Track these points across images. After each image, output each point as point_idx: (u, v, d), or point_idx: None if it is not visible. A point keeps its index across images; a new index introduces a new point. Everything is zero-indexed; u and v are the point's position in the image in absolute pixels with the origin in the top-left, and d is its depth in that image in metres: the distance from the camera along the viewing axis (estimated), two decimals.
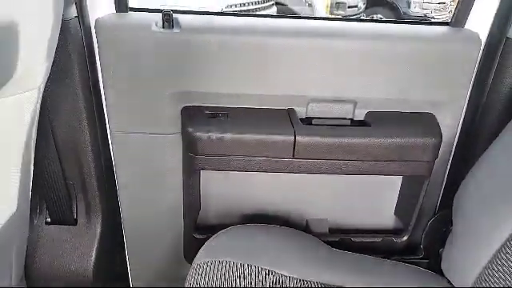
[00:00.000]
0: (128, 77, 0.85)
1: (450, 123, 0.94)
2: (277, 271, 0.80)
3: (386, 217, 1.04)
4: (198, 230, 0.99)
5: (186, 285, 0.79)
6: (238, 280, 0.76)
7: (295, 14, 4.52)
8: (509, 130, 0.79)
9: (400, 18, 5.11)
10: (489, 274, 0.72)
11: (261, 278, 0.78)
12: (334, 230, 1.02)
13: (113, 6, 0.86)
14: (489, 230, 0.74)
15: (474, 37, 0.88)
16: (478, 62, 0.88)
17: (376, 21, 1.06)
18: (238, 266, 0.78)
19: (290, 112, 0.90)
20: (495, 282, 0.70)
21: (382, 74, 0.88)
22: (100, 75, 0.87)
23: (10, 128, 0.64)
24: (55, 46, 0.67)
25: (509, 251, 0.69)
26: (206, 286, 0.74)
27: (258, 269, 0.79)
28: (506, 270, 0.69)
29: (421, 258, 0.98)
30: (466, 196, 0.83)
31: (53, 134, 0.86)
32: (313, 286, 0.78)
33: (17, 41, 0.55)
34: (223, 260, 0.79)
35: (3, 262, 0.83)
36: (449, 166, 0.99)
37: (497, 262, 0.71)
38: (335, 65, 0.87)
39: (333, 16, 4.96)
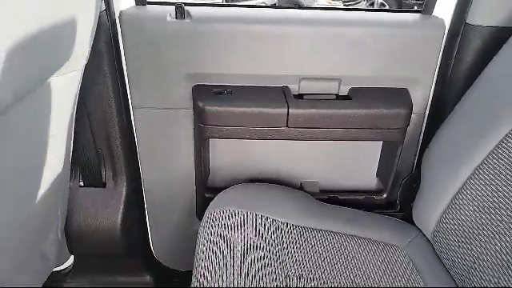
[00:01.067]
0: (147, 61, 1.01)
1: (422, 96, 1.10)
2: (277, 219, 0.97)
3: (368, 178, 1.22)
4: (208, 190, 1.16)
5: (200, 233, 0.96)
6: (244, 225, 0.94)
7: (297, 2, 4.60)
8: (466, 99, 0.95)
9: (400, 3, 5.16)
10: (447, 217, 0.89)
11: (264, 223, 0.95)
12: (324, 190, 1.20)
13: (133, 0, 1.02)
14: (446, 181, 0.91)
15: (440, 23, 1.03)
16: (443, 44, 1.04)
17: (359, 9, 1.21)
18: (244, 214, 0.96)
19: (285, 89, 1.07)
20: (453, 223, 0.88)
21: (363, 55, 1.04)
22: (123, 60, 1.03)
23: (60, 102, 0.80)
24: (94, 34, 0.83)
25: (463, 197, 0.86)
26: (217, 229, 0.92)
27: (262, 217, 0.96)
28: (461, 212, 0.86)
29: (397, 212, 1.16)
30: (431, 155, 1.00)
31: (86, 109, 1.03)
32: (307, 230, 0.96)
33: (74, 28, 0.71)
34: (230, 209, 0.96)
35: (53, 217, 1.01)
36: (422, 133, 1.15)
37: (453, 206, 0.88)
38: (323, 48, 1.03)
39: (333, 3, 5.04)
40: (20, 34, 0.55)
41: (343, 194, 1.19)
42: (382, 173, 1.20)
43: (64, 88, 0.78)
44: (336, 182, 1.21)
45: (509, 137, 0.81)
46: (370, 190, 1.21)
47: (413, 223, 1.05)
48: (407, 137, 1.13)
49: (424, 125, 1.14)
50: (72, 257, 1.29)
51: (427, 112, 1.13)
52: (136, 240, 1.25)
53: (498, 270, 0.76)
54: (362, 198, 1.18)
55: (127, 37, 0.99)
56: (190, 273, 0.91)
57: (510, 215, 0.77)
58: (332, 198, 1.17)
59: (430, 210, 0.95)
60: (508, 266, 0.74)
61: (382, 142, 1.18)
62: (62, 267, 1.29)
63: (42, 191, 0.87)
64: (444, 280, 0.90)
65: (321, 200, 1.11)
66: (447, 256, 0.90)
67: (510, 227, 0.76)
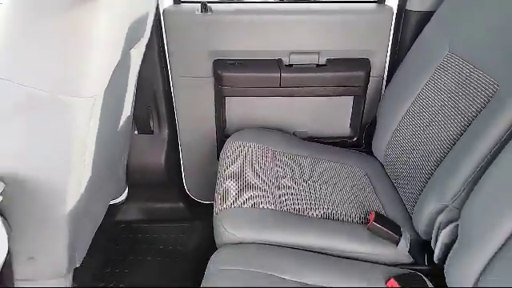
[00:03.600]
0: (182, 43, 1.45)
1: (379, 64, 1.51)
2: (277, 150, 1.39)
3: (343, 128, 1.64)
4: (225, 136, 1.59)
5: (220, 160, 1.39)
6: (252, 152, 1.36)
7: None
8: (405, 62, 1.36)
9: None
10: (391, 145, 1.31)
11: (266, 152, 1.37)
12: (311, 137, 1.62)
13: (172, 0, 1.45)
14: (391, 117, 1.33)
15: (389, 9, 1.44)
16: (392, 26, 1.45)
17: (333, 1, 1.61)
18: (251, 145, 1.39)
19: (278, 60, 1.49)
20: (395, 147, 1.29)
21: (335, 35, 1.46)
22: (165, 42, 1.46)
23: (132, 69, 1.24)
24: (151, 25, 1.27)
25: (402, 128, 1.27)
26: (232, 154, 1.35)
27: (264, 148, 1.39)
28: (401, 139, 1.27)
29: (362, 149, 1.57)
30: (383, 103, 1.42)
31: (139, 79, 1.47)
32: (296, 156, 1.37)
33: (146, 16, 1.14)
34: (241, 142, 1.39)
35: (122, 157, 1.46)
36: (382, 91, 1.56)
37: (395, 136, 1.29)
38: (306, 31, 1.45)
39: None
40: (123, 13, 0.97)
41: (325, 139, 1.61)
42: (352, 123, 1.62)
43: (136, 59, 1.23)
44: (320, 131, 1.63)
45: (435, 73, 1.20)
46: (345, 135, 1.64)
47: (373, 155, 1.47)
48: (370, 95, 1.54)
49: (383, 86, 1.55)
50: (126, 191, 1.75)
51: (385, 74, 1.54)
52: (173, 175, 1.71)
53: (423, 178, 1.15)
54: (338, 141, 1.60)
55: (168, 26, 1.43)
56: (211, 205, 1.24)
57: (435, 137, 1.15)
58: (316, 141, 1.59)
59: (382, 143, 1.36)
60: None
61: (352, 101, 1.59)
62: (117, 200, 1.75)
63: (120, 138, 1.32)
64: (388, 185, 1.31)
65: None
66: (392, 170, 1.31)
67: (436, 147, 1.14)
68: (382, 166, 1.40)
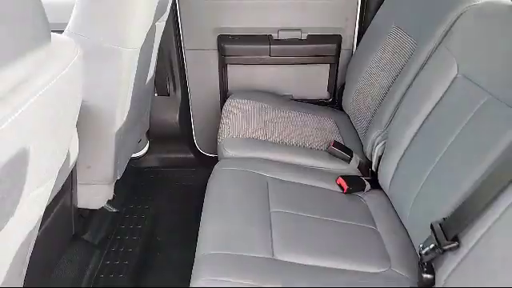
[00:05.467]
0: (192, 21, 1.85)
1: (349, 38, 1.90)
2: (267, 105, 1.79)
3: (321, 91, 2.03)
4: (227, 98, 1.99)
5: (222, 112, 1.78)
6: (246, 107, 1.75)
7: None
8: (366, 35, 1.74)
9: None
10: (356, 97, 1.70)
11: (263, 109, 1.77)
12: (294, 99, 2.01)
13: None
14: (357, 74, 1.72)
15: None
16: (359, 6, 1.83)
17: None
18: (246, 102, 1.78)
19: (269, 36, 1.89)
20: (356, 98, 1.68)
21: (313, 15, 1.85)
22: (180, 21, 1.86)
23: (156, 41, 1.64)
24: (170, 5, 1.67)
25: (364, 76, 1.66)
26: (231, 108, 1.74)
27: (256, 103, 1.78)
28: (362, 92, 1.67)
29: (335, 106, 1.96)
30: (349, 67, 1.81)
31: (159, 50, 1.87)
32: (284, 110, 1.76)
33: None
34: (239, 100, 1.79)
35: (147, 108, 1.86)
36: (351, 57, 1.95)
37: (357, 86, 1.68)
38: (291, 12, 1.85)
39: None
40: None
41: (307, 101, 2.00)
42: (329, 87, 2.02)
43: (159, 31, 1.62)
44: (302, 94, 2.03)
45: (384, 43, 1.58)
46: (322, 97, 2.03)
47: (343, 110, 1.86)
48: (342, 64, 1.93)
49: (353, 53, 1.94)
50: (147, 146, 2.15)
51: (354, 49, 1.92)
52: (185, 130, 2.11)
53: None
54: (317, 102, 1.99)
55: (182, 7, 1.83)
56: (214, 157, 1.67)
57: (379, 86, 1.56)
58: (300, 102, 1.99)
59: (348, 99, 1.75)
60: None
61: (329, 69, 1.98)
62: (140, 153, 2.16)
63: (146, 92, 1.72)
64: (350, 127, 1.70)
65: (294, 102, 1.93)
66: (354, 118, 1.70)
67: (379, 93, 1.55)
68: (349, 117, 1.79)
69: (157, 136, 2.10)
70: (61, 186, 1.11)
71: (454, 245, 0.85)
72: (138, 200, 1.85)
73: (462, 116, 1.00)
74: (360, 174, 1.44)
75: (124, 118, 1.37)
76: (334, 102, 2.01)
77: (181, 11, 1.85)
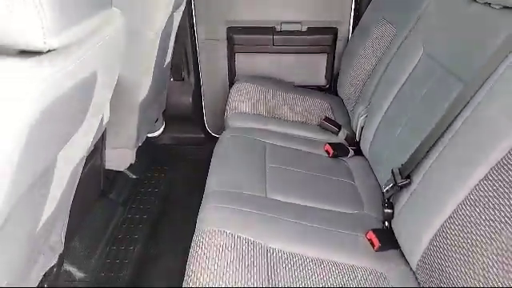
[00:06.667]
0: (205, 14, 2.10)
1: (345, 30, 2.13)
2: (269, 89, 2.02)
3: (320, 78, 2.26)
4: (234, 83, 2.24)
5: (229, 95, 2.03)
6: (251, 90, 1.99)
7: None
8: (359, 27, 1.97)
9: None
10: (345, 78, 1.93)
11: (266, 92, 2.00)
12: (295, 84, 2.24)
13: None
14: (351, 58, 1.95)
15: None
16: (353, 4, 2.06)
17: None
18: (252, 86, 2.01)
19: (273, 28, 2.13)
20: (349, 81, 1.92)
21: (312, 10, 2.08)
22: (194, 14, 2.11)
23: (173, 29, 1.89)
24: None
25: (356, 62, 1.89)
26: (237, 91, 1.98)
27: (265, 88, 2.01)
28: (351, 76, 1.90)
29: (332, 92, 2.18)
30: (344, 54, 2.03)
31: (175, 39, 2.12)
32: (287, 91, 2.00)
33: None
34: (246, 84, 2.02)
35: (164, 90, 2.11)
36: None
37: (351, 70, 1.91)
38: (293, 7, 2.08)
39: None
40: None
41: (306, 87, 2.23)
42: (326, 75, 2.24)
43: (176, 21, 1.88)
44: (302, 81, 2.26)
45: (372, 35, 1.81)
46: (320, 84, 2.26)
47: (338, 95, 2.08)
48: (339, 54, 2.16)
49: (348, 38, 2.16)
50: (163, 127, 2.41)
51: (349, 39, 2.15)
52: (197, 113, 2.35)
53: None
54: (315, 88, 2.22)
55: (197, 1, 2.08)
56: None
57: (363, 68, 1.79)
58: (299, 88, 2.22)
59: (343, 84, 1.97)
60: None
61: (326, 58, 2.21)
62: (156, 133, 2.41)
63: (164, 74, 1.98)
64: (343, 107, 1.93)
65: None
66: (346, 100, 1.92)
67: (364, 75, 1.78)
68: (343, 101, 2.01)
69: (172, 117, 2.36)
70: (93, 147, 1.36)
71: (407, 182, 1.07)
72: (154, 170, 2.10)
73: (424, 85, 1.23)
74: (346, 144, 1.67)
75: (146, 92, 1.62)
76: (330, 88, 2.24)
77: (195, 4, 2.10)
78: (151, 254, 1.62)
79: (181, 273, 1.00)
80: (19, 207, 0.75)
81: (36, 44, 0.55)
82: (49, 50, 0.57)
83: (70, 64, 0.62)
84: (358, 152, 1.59)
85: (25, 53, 0.57)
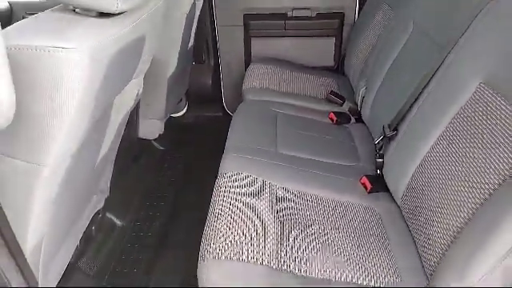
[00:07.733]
0: (224, 3, 2.32)
1: (351, 15, 2.33)
2: (282, 70, 2.24)
3: (328, 60, 2.46)
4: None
5: (245, 75, 2.25)
6: (265, 71, 2.21)
7: None
8: (363, 11, 2.16)
9: None
10: (349, 59, 2.13)
11: (279, 72, 2.21)
12: (305, 66, 2.45)
13: None
14: (356, 40, 2.15)
15: None
16: None
17: None
18: (265, 67, 2.23)
19: (284, 14, 2.34)
20: (352, 58, 2.11)
21: None
22: (213, 3, 2.34)
23: (196, 16, 2.12)
24: None
25: (364, 43, 2.09)
26: (253, 72, 2.20)
27: (277, 69, 2.23)
28: (356, 53, 2.10)
29: (339, 72, 2.38)
30: (350, 39, 2.23)
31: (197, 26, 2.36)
32: (293, 72, 2.21)
33: None
34: (260, 65, 2.24)
35: (187, 72, 2.36)
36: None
37: (353, 50, 2.11)
38: None
39: None
40: None
41: (317, 67, 2.44)
42: (335, 57, 2.44)
43: (198, 7, 2.11)
44: (312, 62, 2.46)
45: (374, 19, 2.00)
46: (329, 65, 2.46)
47: (345, 75, 2.28)
48: (345, 37, 2.35)
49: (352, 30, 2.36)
50: (186, 107, 2.66)
51: (355, 22, 2.35)
52: (216, 93, 2.59)
53: None
54: (324, 69, 2.43)
55: None
56: None
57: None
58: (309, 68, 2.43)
59: (349, 64, 2.17)
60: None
61: (334, 41, 2.41)
62: (180, 113, 2.66)
63: (187, 55, 2.22)
64: (348, 86, 2.13)
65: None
66: (352, 79, 2.12)
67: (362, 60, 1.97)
68: (349, 80, 2.21)
69: (193, 98, 2.61)
70: (127, 118, 1.61)
71: (394, 133, 1.28)
72: (179, 144, 2.35)
73: (412, 56, 1.43)
74: (349, 115, 1.87)
75: (173, 69, 1.87)
76: (338, 69, 2.44)
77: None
78: (180, 207, 1.88)
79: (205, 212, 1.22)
80: (87, 142, 0.99)
81: (110, 8, 0.79)
82: (119, 13, 0.81)
83: (131, 23, 0.86)
84: (360, 121, 1.80)
85: (102, 14, 0.81)
